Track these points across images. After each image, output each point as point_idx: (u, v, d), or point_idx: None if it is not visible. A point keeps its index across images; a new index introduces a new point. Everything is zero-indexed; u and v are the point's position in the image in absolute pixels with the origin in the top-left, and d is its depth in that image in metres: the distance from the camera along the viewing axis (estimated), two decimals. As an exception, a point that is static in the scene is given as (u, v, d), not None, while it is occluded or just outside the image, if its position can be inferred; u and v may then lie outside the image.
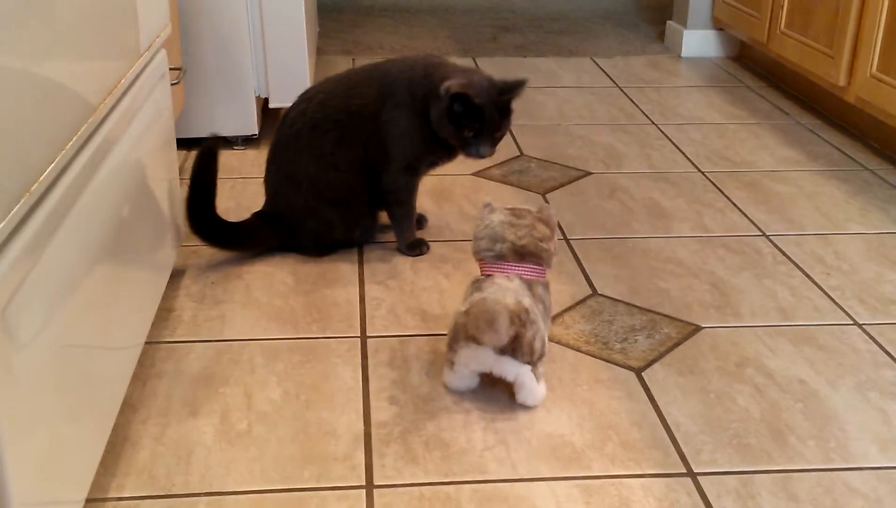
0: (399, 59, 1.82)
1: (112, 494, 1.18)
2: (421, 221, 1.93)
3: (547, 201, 2.08)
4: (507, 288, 1.31)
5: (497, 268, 1.35)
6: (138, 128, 1.35)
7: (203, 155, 1.66)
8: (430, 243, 1.84)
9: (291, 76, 2.30)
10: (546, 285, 1.39)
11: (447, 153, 1.77)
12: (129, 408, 1.34)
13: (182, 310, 1.61)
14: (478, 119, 1.65)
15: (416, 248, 1.83)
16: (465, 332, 1.28)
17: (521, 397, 1.35)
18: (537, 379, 1.34)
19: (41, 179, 0.94)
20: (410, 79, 1.74)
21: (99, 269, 1.13)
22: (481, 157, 1.70)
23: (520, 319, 1.27)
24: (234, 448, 1.27)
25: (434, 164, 1.80)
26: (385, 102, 1.74)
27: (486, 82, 1.66)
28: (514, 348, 1.28)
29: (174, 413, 1.34)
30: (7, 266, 0.85)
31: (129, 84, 1.32)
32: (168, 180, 1.57)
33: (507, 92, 1.66)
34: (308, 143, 1.75)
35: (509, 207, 1.40)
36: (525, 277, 1.35)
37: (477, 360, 1.32)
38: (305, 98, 1.80)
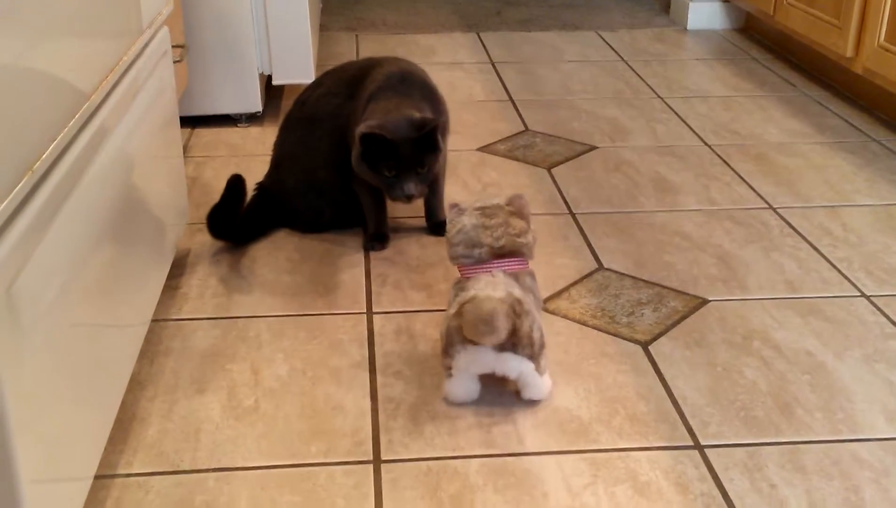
0: (387, 60, 1.79)
1: (121, 471, 1.19)
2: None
3: (552, 176, 2.07)
4: (495, 283, 1.25)
5: (478, 269, 1.30)
6: (141, 106, 1.35)
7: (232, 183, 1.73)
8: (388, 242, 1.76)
9: (294, 53, 2.29)
10: (532, 275, 1.34)
11: None
12: (136, 385, 1.35)
13: (188, 288, 1.61)
14: (394, 157, 1.58)
15: (370, 241, 1.74)
16: (460, 335, 1.23)
17: (528, 394, 1.31)
18: (541, 372, 1.29)
19: (43, 157, 0.94)
20: (375, 81, 1.70)
21: (104, 247, 1.13)
22: (407, 198, 1.60)
23: (514, 310, 1.22)
24: (241, 424, 1.28)
25: None
26: (352, 97, 1.73)
27: (402, 120, 1.59)
28: (514, 342, 1.23)
29: (182, 390, 1.35)
30: (11, 245, 0.85)
31: (130, 62, 1.32)
32: (171, 158, 1.57)
33: (423, 127, 1.58)
34: (306, 132, 1.78)
35: (478, 205, 1.33)
36: (508, 270, 1.30)
37: (477, 361, 1.26)
38: (315, 84, 1.82)
